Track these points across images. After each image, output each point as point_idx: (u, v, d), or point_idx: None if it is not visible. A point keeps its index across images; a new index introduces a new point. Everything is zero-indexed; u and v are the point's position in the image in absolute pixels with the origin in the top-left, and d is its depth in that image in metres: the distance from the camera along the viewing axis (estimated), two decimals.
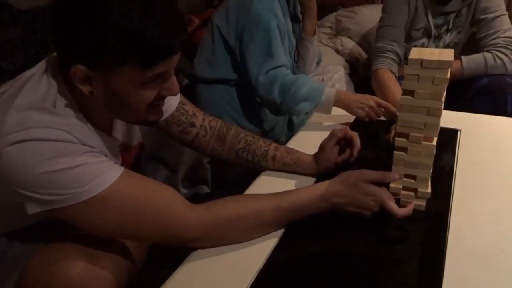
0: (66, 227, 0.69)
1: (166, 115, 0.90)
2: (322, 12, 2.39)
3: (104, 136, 0.75)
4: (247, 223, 0.74)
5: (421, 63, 0.69)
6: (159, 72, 0.66)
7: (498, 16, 1.42)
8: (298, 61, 1.51)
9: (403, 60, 1.51)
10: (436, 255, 0.71)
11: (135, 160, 0.99)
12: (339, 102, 1.21)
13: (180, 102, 0.92)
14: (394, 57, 1.45)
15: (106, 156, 0.70)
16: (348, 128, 0.93)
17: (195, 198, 1.15)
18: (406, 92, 0.73)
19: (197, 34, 1.85)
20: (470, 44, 1.57)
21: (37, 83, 0.67)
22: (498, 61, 1.37)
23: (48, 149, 0.61)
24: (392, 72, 1.42)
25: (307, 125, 1.26)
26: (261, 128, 1.45)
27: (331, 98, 1.19)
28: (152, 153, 1.11)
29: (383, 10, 1.54)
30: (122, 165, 0.80)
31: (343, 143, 0.94)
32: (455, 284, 0.65)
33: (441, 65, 0.68)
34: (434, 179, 0.84)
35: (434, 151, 0.77)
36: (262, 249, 0.74)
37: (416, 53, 0.71)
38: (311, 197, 0.76)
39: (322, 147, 0.94)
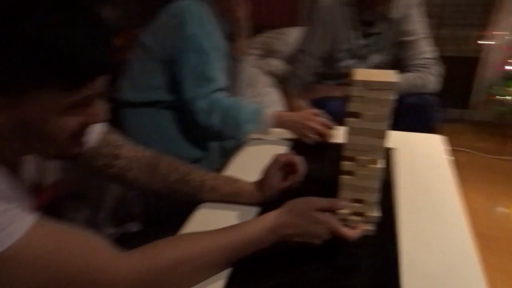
0: None
1: (86, 146, 0.78)
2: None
3: (7, 176, 0.62)
4: (192, 266, 0.64)
5: (366, 84, 0.67)
6: (85, 95, 0.55)
7: (420, 39, 1.50)
8: (230, 82, 1.46)
9: (329, 80, 1.57)
10: (392, 282, 0.68)
11: (52, 201, 0.85)
12: (280, 123, 1.18)
13: (104, 132, 0.81)
14: (302, 80, 1.62)
15: (11, 201, 0.57)
16: (290, 153, 0.89)
17: (124, 238, 1.02)
18: (351, 114, 0.70)
19: (119, 54, 1.72)
20: (397, 67, 1.65)
21: None
22: (421, 81, 1.44)
23: None
24: (301, 92, 1.59)
25: (243, 150, 1.20)
26: (192, 154, 1.36)
27: (269, 118, 1.18)
28: (72, 189, 0.97)
29: (305, 34, 1.59)
30: (32, 209, 0.67)
31: (287, 168, 0.89)
32: None
33: (385, 86, 0.67)
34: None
35: (380, 174, 0.75)
36: None
37: (359, 74, 0.69)
38: (259, 231, 0.69)
39: (265, 173, 0.88)
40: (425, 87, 1.44)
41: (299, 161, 0.87)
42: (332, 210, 0.73)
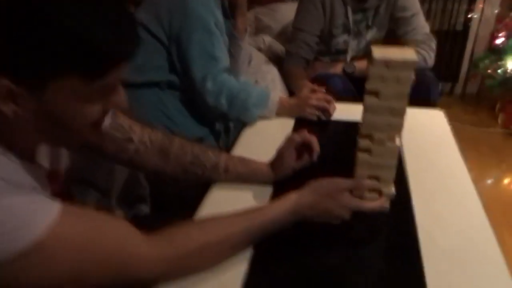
0: None
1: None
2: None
3: (27, 165, 0.61)
4: (217, 249, 0.65)
5: (387, 63, 0.66)
6: (107, 83, 0.54)
7: (414, 14, 1.50)
8: (230, 61, 1.44)
9: (325, 56, 1.58)
10: (413, 257, 0.70)
11: (64, 187, 0.84)
12: (281, 109, 1.20)
13: (113, 116, 0.80)
14: (301, 58, 1.59)
15: (35, 191, 0.56)
16: (306, 132, 0.89)
17: (135, 221, 1.01)
18: (369, 92, 0.70)
19: None
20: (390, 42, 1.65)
21: None
22: (419, 56, 1.45)
23: None
24: (301, 70, 1.57)
25: (249, 129, 1.20)
26: (196, 133, 1.35)
27: (275, 102, 1.19)
28: (80, 175, 0.96)
29: (296, 12, 1.58)
30: (51, 196, 0.66)
31: (301, 147, 0.89)
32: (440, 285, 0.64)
33: (406, 65, 0.66)
34: None
35: (398, 151, 0.76)
36: (234, 277, 0.66)
37: (379, 52, 0.69)
38: (282, 212, 0.70)
39: (279, 153, 0.88)
40: (425, 62, 1.46)
41: (314, 140, 0.88)
42: (356, 190, 0.73)
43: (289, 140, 0.88)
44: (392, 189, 0.79)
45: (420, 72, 1.47)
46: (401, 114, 0.71)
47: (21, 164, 0.58)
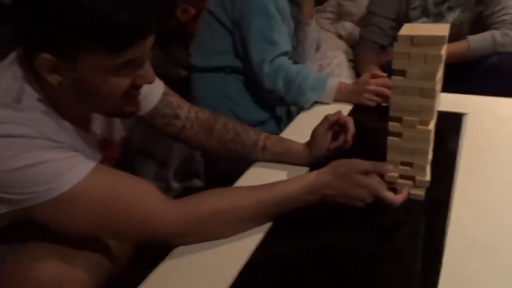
0: (41, 227, 0.65)
1: (148, 107, 0.85)
2: None
3: (79, 130, 0.71)
4: (228, 218, 0.69)
5: (412, 39, 0.63)
6: (131, 58, 0.61)
7: None
8: (297, 46, 1.45)
9: None
10: (434, 247, 0.66)
11: (121, 156, 0.96)
12: (340, 94, 1.18)
13: (164, 93, 0.88)
14: (373, 44, 1.55)
15: (76, 151, 0.66)
16: (341, 112, 0.87)
17: (187, 192, 1.10)
18: (397, 72, 0.67)
19: (193, 23, 1.79)
20: (479, 24, 1.49)
21: (1, 77, 0.63)
22: (507, 38, 1.29)
23: (7, 146, 0.57)
24: (372, 55, 1.53)
25: (303, 114, 1.21)
26: (258, 117, 1.40)
27: (334, 87, 1.18)
28: (141, 147, 1.07)
29: None
30: (103, 161, 0.76)
31: (337, 128, 0.88)
32: (453, 276, 0.59)
33: (433, 41, 0.62)
34: (436, 168, 0.78)
35: (431, 136, 0.71)
36: (245, 245, 0.69)
37: (407, 29, 0.65)
38: (297, 189, 0.70)
39: (314, 133, 0.88)
40: (511, 45, 1.29)
41: (349, 121, 0.86)
42: (377, 173, 0.71)
43: (323, 120, 0.87)
44: (427, 177, 0.75)
45: (509, 57, 1.32)
46: (431, 95, 0.67)
47: (70, 128, 0.68)
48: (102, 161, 0.75)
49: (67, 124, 0.67)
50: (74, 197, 0.60)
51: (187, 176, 1.15)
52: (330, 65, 1.50)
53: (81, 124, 0.73)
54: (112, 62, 0.60)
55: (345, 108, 1.17)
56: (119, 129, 0.88)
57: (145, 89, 0.72)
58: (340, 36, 2.04)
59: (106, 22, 0.56)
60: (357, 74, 1.53)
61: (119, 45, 0.59)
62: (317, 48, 1.52)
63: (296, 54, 1.46)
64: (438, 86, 0.67)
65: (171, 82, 0.92)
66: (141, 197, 0.65)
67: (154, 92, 0.86)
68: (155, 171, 1.10)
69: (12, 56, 0.66)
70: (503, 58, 1.31)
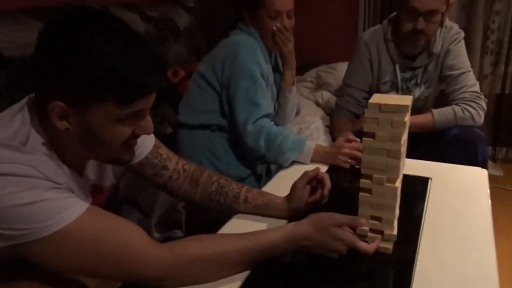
0: (28, 265, 0.67)
1: (140, 157, 0.91)
2: (305, 68, 2.50)
3: (74, 174, 0.76)
4: (210, 263, 0.73)
5: (380, 107, 0.73)
6: (136, 109, 0.68)
7: (463, 73, 1.51)
8: (278, 110, 1.57)
9: None
10: None
11: (107, 202, 0.99)
12: (317, 155, 1.26)
13: (155, 145, 0.94)
14: (348, 112, 1.68)
15: (72, 193, 0.70)
16: (319, 168, 0.95)
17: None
18: (367, 134, 0.76)
19: (182, 85, 1.91)
20: (442, 100, 1.66)
21: (11, 121, 0.69)
22: (467, 113, 1.44)
23: (11, 183, 0.61)
24: (347, 122, 1.66)
25: (282, 173, 1.28)
26: (240, 173, 1.47)
27: (311, 148, 1.26)
28: (127, 196, 1.11)
29: (347, 68, 1.68)
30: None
31: (315, 183, 0.95)
32: None
33: (398, 109, 0.72)
34: (403, 225, 0.85)
35: (398, 193, 0.79)
36: None
37: (376, 98, 0.76)
38: (278, 238, 0.75)
39: (293, 187, 0.95)
40: (470, 119, 1.44)
41: (326, 177, 0.94)
42: (352, 227, 0.77)
43: (303, 175, 0.95)
44: (394, 231, 0.82)
45: (468, 129, 1.46)
46: (397, 156, 0.75)
47: (67, 171, 0.73)
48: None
49: (65, 167, 0.72)
50: (69, 234, 0.64)
51: (168, 227, 1.18)
52: (308, 128, 1.61)
53: (77, 169, 0.78)
54: (119, 112, 0.67)
55: (321, 169, 1.25)
56: (109, 176, 0.93)
57: (138, 140, 0.78)
58: (318, 104, 2.20)
59: (121, 78, 0.64)
60: (333, 139, 1.64)
61: (129, 98, 0.66)
62: (297, 113, 1.65)
63: (277, 117, 1.57)
64: (403, 148, 0.76)
65: (157, 138, 0.99)
66: (127, 238, 0.69)
67: (146, 143, 0.92)
68: (137, 219, 1.13)
69: (23, 101, 0.73)
70: (463, 130, 1.45)
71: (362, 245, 0.75)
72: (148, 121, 0.73)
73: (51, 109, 0.65)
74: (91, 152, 0.75)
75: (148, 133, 0.75)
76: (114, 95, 0.65)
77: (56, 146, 0.71)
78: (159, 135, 0.96)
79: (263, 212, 0.97)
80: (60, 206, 0.64)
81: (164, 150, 0.96)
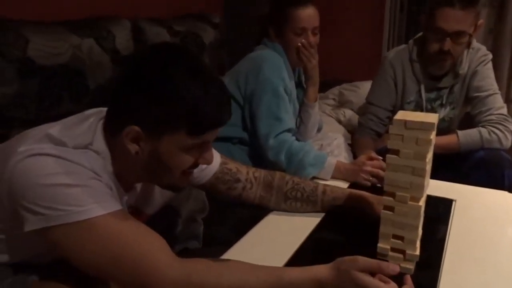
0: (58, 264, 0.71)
1: (208, 176, 0.97)
2: (328, 85, 2.51)
3: (120, 188, 0.78)
4: None
5: (405, 123, 0.72)
6: (204, 140, 0.72)
7: (490, 95, 1.48)
8: (300, 125, 1.57)
9: None
10: None
11: None
12: (337, 172, 1.26)
13: (222, 163, 0.99)
14: (370, 131, 1.65)
15: (112, 195, 0.72)
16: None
17: (184, 253, 1.13)
18: (391, 151, 0.76)
19: None
20: (467, 121, 1.62)
21: (77, 124, 0.74)
22: (494, 135, 1.41)
23: (58, 164, 0.66)
24: (369, 141, 1.65)
25: None
26: None
27: (332, 164, 1.26)
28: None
29: (371, 87, 1.67)
30: None
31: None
32: None
33: (424, 126, 0.71)
34: (425, 247, 0.83)
35: (421, 212, 0.77)
36: None
37: (401, 114, 0.75)
38: (302, 278, 0.71)
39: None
40: (497, 142, 1.40)
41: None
42: (378, 272, 0.70)
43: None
44: (417, 251, 0.80)
45: (494, 152, 1.42)
46: (421, 174, 0.74)
47: (115, 185, 0.76)
48: None
49: (113, 177, 0.76)
50: (95, 226, 0.66)
51: (186, 238, 1.18)
52: (330, 145, 1.60)
53: (125, 186, 0.80)
54: (189, 142, 0.71)
55: (342, 186, 1.24)
56: (155, 204, 0.95)
57: None
58: (340, 122, 2.19)
59: (200, 112, 0.68)
60: (355, 157, 1.62)
61: (201, 130, 0.70)
62: (319, 130, 1.64)
63: (299, 133, 1.57)
64: (428, 166, 0.75)
65: None
66: (151, 250, 0.68)
67: (211, 165, 0.96)
68: (161, 230, 1.12)
69: (89, 112, 0.78)
70: (489, 154, 1.42)
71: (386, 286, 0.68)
72: (210, 154, 0.77)
73: (127, 132, 0.70)
74: (151, 175, 0.78)
75: (208, 164, 0.79)
76: (189, 126, 0.69)
77: (114, 160, 0.74)
78: None
79: (343, 204, 1.02)
80: (97, 196, 0.67)
81: (232, 165, 1.02)
